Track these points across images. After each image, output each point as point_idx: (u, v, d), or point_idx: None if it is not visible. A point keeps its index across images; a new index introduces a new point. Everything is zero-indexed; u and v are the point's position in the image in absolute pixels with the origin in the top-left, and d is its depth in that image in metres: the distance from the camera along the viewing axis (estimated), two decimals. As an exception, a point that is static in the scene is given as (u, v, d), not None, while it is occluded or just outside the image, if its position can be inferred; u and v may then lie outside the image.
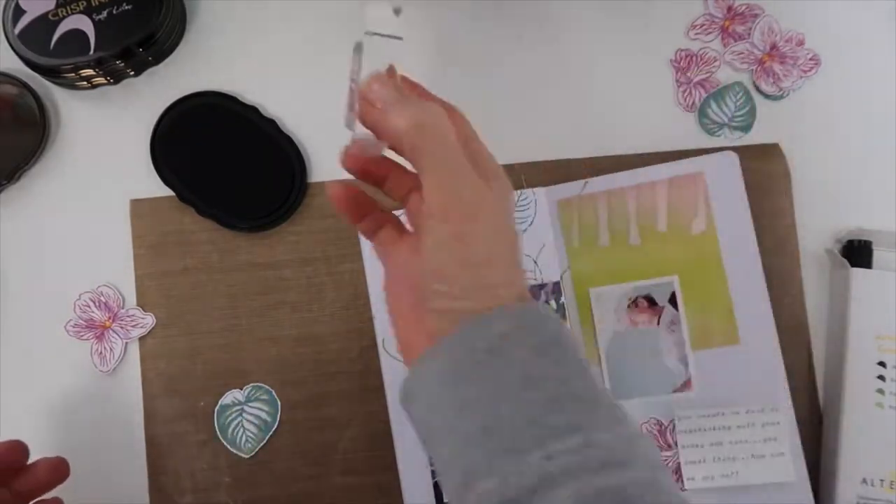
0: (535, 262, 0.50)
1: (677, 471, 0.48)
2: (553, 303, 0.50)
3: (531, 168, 0.52)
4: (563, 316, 0.50)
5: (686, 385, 0.49)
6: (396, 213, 0.39)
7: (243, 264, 0.51)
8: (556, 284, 0.50)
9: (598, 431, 0.30)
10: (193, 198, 0.51)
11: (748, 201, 0.50)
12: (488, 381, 0.31)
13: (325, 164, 0.52)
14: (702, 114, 0.53)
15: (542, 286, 0.50)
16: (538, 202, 0.51)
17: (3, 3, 0.50)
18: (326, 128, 0.52)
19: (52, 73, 0.51)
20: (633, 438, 0.31)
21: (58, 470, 0.44)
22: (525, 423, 0.30)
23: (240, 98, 0.52)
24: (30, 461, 0.44)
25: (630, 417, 0.33)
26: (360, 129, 0.36)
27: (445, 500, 0.32)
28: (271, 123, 0.51)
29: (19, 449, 0.43)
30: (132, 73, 0.52)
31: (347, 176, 0.38)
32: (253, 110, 0.51)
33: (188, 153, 0.51)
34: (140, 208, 0.51)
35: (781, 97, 0.53)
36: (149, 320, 0.50)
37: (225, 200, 0.51)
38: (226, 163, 0.51)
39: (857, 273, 0.49)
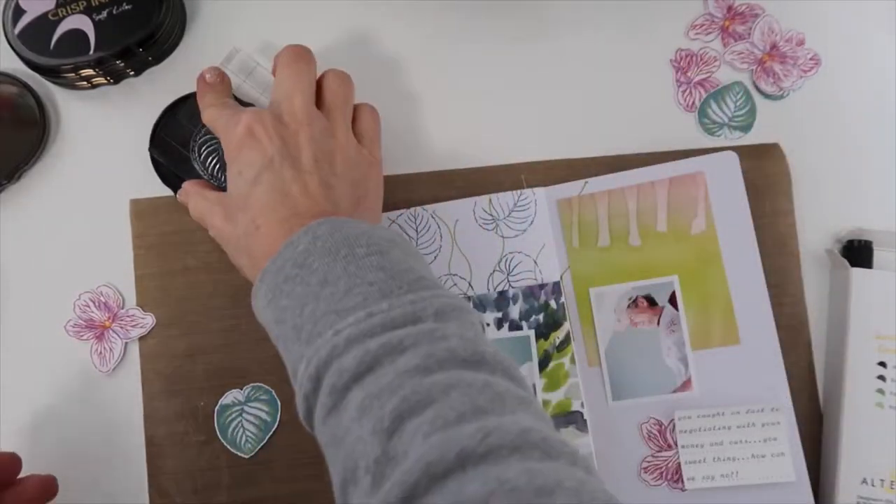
0: (535, 262, 0.50)
1: (677, 471, 0.48)
2: (553, 303, 0.50)
3: (531, 168, 0.52)
4: (563, 316, 0.50)
5: (686, 385, 0.49)
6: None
7: (243, 264, 0.51)
8: (556, 284, 0.50)
9: (380, 303, 0.35)
10: None
11: (748, 201, 0.50)
12: (295, 291, 0.38)
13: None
14: (702, 114, 0.53)
15: (542, 286, 0.50)
16: (538, 202, 0.51)
17: (3, 3, 0.50)
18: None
19: (52, 73, 0.51)
20: (423, 301, 0.36)
21: (47, 488, 0.44)
22: (322, 314, 0.36)
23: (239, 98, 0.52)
24: (26, 469, 0.44)
25: (436, 283, 0.38)
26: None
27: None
28: None
29: (12, 462, 0.43)
30: (132, 73, 0.52)
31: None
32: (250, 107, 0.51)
33: (188, 154, 0.51)
34: (140, 208, 0.51)
35: (781, 97, 0.53)
36: (149, 320, 0.50)
37: None
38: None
39: (857, 273, 0.49)
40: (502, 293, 0.50)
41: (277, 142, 0.43)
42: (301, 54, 0.46)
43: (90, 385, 0.50)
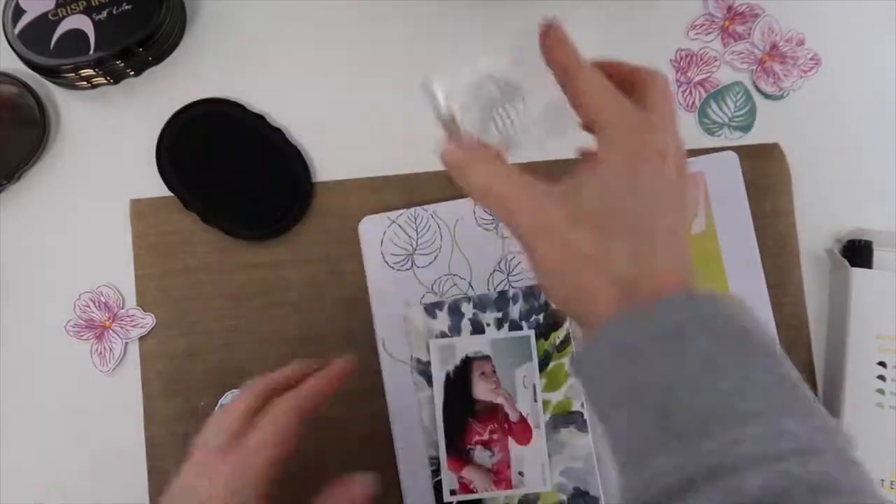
0: (536, 262, 0.50)
1: (677, 471, 0.48)
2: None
3: (531, 168, 0.51)
4: (564, 316, 0.50)
5: (686, 385, 0.49)
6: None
7: (244, 264, 0.51)
8: (557, 284, 0.50)
9: (785, 422, 0.28)
10: (198, 206, 0.50)
11: (748, 201, 0.50)
12: (665, 363, 0.30)
13: (327, 163, 0.52)
14: (702, 114, 0.53)
15: (542, 286, 0.50)
16: (538, 202, 0.51)
17: (3, 3, 0.50)
18: (330, 128, 0.52)
19: (52, 73, 0.51)
20: (825, 431, 0.29)
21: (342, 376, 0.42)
22: (706, 406, 0.29)
23: (246, 105, 0.51)
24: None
25: (824, 413, 0.31)
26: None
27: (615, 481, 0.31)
28: (276, 132, 0.51)
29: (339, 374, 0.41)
30: (132, 73, 0.52)
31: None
32: (258, 118, 0.51)
33: (192, 162, 0.51)
34: (140, 208, 0.51)
35: (781, 97, 0.53)
36: (149, 320, 0.50)
37: (229, 210, 0.51)
38: (229, 172, 0.51)
39: (857, 273, 0.49)
40: (502, 293, 0.50)
41: (680, 177, 0.35)
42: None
43: (90, 385, 0.50)
